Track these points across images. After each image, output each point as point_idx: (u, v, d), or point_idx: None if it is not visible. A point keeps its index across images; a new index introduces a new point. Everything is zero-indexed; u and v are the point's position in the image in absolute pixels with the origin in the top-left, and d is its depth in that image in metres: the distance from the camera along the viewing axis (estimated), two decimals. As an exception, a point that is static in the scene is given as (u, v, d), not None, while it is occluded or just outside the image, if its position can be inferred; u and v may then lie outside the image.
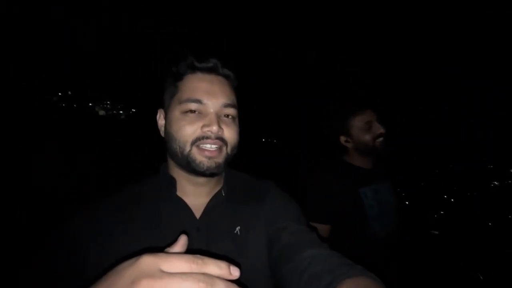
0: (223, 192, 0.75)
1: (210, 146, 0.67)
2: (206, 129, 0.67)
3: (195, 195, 0.73)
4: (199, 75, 0.72)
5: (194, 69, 0.72)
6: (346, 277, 0.51)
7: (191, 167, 0.68)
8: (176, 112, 0.69)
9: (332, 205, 1.36)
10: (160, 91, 0.76)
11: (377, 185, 1.44)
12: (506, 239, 3.62)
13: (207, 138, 0.67)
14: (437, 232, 4.12)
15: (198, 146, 0.67)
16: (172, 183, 0.72)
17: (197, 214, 0.70)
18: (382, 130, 1.38)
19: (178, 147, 0.68)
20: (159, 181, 0.76)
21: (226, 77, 0.75)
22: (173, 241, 0.65)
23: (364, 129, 1.40)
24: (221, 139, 0.67)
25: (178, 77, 0.71)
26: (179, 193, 0.72)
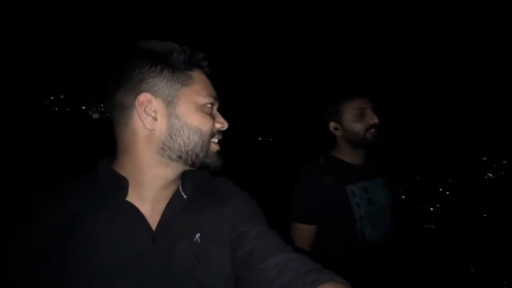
0: (182, 193, 0.71)
1: (217, 141, 0.72)
2: (220, 125, 0.71)
3: (154, 199, 0.66)
4: (202, 71, 0.72)
5: (199, 64, 0.71)
6: (316, 285, 0.51)
7: (205, 161, 0.68)
8: (198, 103, 0.67)
9: (317, 204, 1.28)
10: (140, 72, 0.64)
11: (368, 182, 1.33)
12: (502, 231, 3.66)
13: (219, 133, 0.72)
14: (433, 226, 4.15)
15: (213, 142, 0.71)
16: (121, 185, 0.64)
17: (152, 221, 0.64)
18: (375, 120, 1.26)
19: (201, 141, 0.66)
20: (101, 183, 0.66)
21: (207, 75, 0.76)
22: (126, 256, 0.60)
23: (356, 116, 1.28)
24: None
25: (190, 67, 0.68)
26: (129, 198, 0.64)
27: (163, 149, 0.64)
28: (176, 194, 0.70)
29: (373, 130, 1.27)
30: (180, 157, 0.65)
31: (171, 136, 0.64)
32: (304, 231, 1.32)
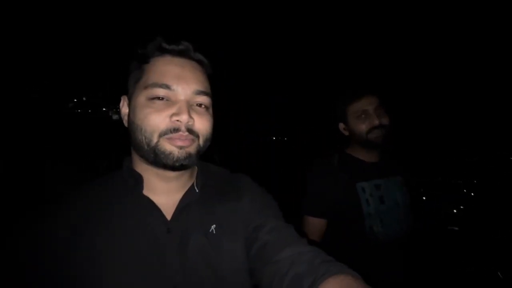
0: (196, 187, 0.70)
1: (179, 139, 0.61)
2: (175, 118, 0.61)
3: (166, 192, 0.67)
4: (168, 58, 0.65)
5: (163, 52, 0.65)
6: (327, 276, 0.51)
7: (159, 160, 0.62)
8: (141, 99, 0.62)
9: (327, 199, 1.30)
10: (124, 76, 0.68)
11: (381, 180, 1.34)
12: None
13: (177, 130, 0.61)
14: (457, 228, 3.98)
15: (168, 138, 0.61)
16: (137, 180, 0.66)
17: (168, 213, 0.65)
18: (376, 122, 1.27)
19: (144, 138, 0.60)
20: (123, 179, 0.68)
21: (199, 62, 0.69)
22: (143, 248, 0.60)
23: (358, 117, 1.31)
24: (191, 131, 0.62)
25: (144, 60, 0.64)
26: (146, 192, 0.66)
27: (133, 147, 0.67)
28: (191, 188, 0.70)
29: (376, 131, 1.28)
30: (142, 156, 0.64)
31: (130, 135, 0.65)
32: (315, 225, 1.33)
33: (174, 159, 0.61)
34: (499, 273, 2.79)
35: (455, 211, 4.23)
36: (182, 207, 0.67)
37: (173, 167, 0.62)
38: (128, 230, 0.62)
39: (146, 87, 0.62)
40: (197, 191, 0.70)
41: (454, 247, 3.69)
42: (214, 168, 0.80)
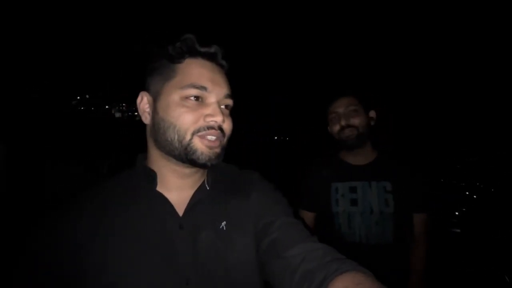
0: (206, 184, 0.72)
1: (211, 137, 0.65)
2: (210, 119, 0.64)
3: (179, 189, 0.69)
4: (200, 61, 0.68)
5: (195, 54, 0.67)
6: (338, 273, 0.51)
7: (189, 158, 0.64)
8: (174, 97, 0.64)
9: (308, 193, 1.41)
10: (143, 71, 0.70)
11: (358, 183, 1.34)
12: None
13: (211, 128, 0.65)
14: (458, 230, 3.96)
15: (200, 136, 0.64)
16: (151, 177, 0.68)
17: (180, 209, 0.67)
18: (343, 122, 1.32)
19: (176, 136, 0.63)
20: (137, 176, 0.71)
21: (222, 66, 0.71)
22: (156, 243, 0.64)
23: (332, 119, 1.39)
24: (221, 130, 0.65)
25: (177, 60, 0.66)
26: (159, 188, 0.68)
27: (156, 144, 0.68)
28: (202, 185, 0.72)
29: (345, 131, 1.32)
30: (168, 152, 0.66)
31: (156, 131, 0.67)
32: (308, 218, 1.42)
33: (206, 158, 0.65)
34: (506, 277, 2.77)
35: (457, 213, 4.21)
36: (193, 203, 0.68)
37: (203, 165, 0.65)
38: (143, 225, 0.63)
39: (182, 87, 0.64)
40: (208, 188, 0.72)
41: (455, 249, 3.68)
42: (223, 165, 0.81)
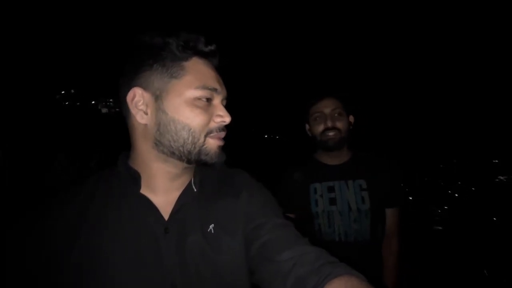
0: (194, 186, 0.70)
1: (220, 138, 0.66)
2: (220, 119, 0.65)
3: (165, 191, 0.67)
4: (205, 61, 0.66)
5: (201, 53, 0.65)
6: (331, 278, 0.51)
7: (201, 158, 0.63)
8: (187, 97, 0.62)
9: (285, 196, 1.37)
10: (135, 67, 0.64)
11: (335, 182, 1.37)
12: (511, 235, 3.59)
13: (222, 130, 0.66)
14: (440, 228, 4.09)
15: (212, 137, 0.64)
16: (135, 178, 0.66)
17: (165, 212, 0.64)
18: (329, 124, 1.33)
19: (191, 137, 0.62)
20: (119, 177, 0.67)
21: (216, 66, 0.70)
22: (140, 248, 0.60)
23: (315, 119, 1.38)
24: (224, 130, 0.67)
25: (183, 57, 0.63)
26: (143, 191, 0.65)
27: (156, 144, 0.64)
28: (188, 187, 0.70)
29: (329, 133, 1.33)
30: (173, 153, 0.63)
31: (160, 132, 0.63)
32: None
33: (217, 158, 0.65)
34: (485, 271, 2.88)
35: (439, 211, 4.35)
36: (180, 206, 0.66)
37: (212, 165, 0.65)
38: (126, 230, 0.61)
39: (196, 87, 0.62)
40: (195, 189, 0.70)
41: (438, 245, 3.80)
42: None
